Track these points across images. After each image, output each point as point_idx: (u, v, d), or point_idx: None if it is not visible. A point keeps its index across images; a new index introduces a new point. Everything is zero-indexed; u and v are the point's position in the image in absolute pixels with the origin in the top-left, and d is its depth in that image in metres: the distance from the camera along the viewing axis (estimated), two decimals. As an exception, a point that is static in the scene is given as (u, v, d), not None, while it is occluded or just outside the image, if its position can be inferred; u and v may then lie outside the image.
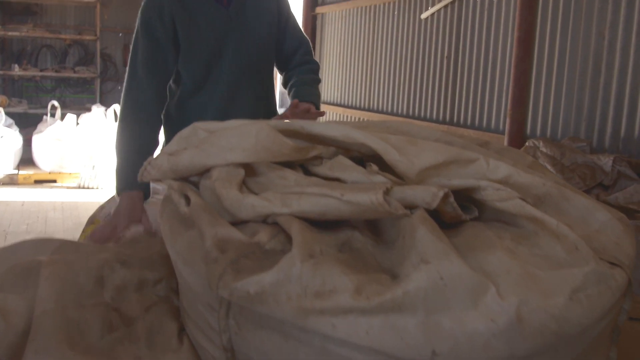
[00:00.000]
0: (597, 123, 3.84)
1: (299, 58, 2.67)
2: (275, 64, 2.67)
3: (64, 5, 12.54)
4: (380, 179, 1.42)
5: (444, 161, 1.48)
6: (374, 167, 1.44)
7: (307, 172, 1.51)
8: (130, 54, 2.39)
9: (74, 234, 6.02)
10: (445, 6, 5.16)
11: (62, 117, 8.68)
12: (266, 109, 2.53)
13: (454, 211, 1.38)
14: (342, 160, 1.47)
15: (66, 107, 10.92)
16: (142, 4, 2.42)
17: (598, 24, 3.83)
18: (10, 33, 10.91)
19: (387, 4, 6.00)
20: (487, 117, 4.72)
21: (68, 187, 8.14)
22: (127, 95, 2.35)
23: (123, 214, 2.09)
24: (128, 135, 2.28)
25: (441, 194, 1.30)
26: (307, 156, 1.47)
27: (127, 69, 2.39)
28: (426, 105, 5.46)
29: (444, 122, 5.19)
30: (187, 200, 1.43)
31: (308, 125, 1.49)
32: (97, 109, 8.73)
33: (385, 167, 1.54)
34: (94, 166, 8.09)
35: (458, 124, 5.01)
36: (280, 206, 1.29)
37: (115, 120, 8.63)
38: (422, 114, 5.50)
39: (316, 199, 1.28)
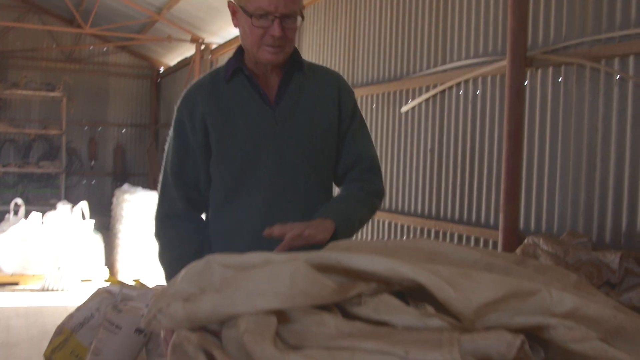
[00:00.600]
0: (596, 217, 3.72)
1: (355, 174, 2.28)
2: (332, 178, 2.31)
3: (28, 100, 12.40)
4: (437, 322, 1.22)
5: (503, 295, 1.29)
6: (430, 309, 1.24)
7: (346, 313, 1.30)
8: (164, 157, 2.24)
9: (40, 344, 5.61)
10: (427, 99, 5.11)
11: (26, 215, 8.35)
12: None
13: (525, 357, 1.19)
14: (388, 299, 1.27)
15: (29, 203, 10.61)
16: (180, 98, 2.25)
17: (590, 117, 3.77)
18: (-28, 129, 10.63)
19: (364, 97, 5.94)
20: (477, 211, 4.58)
21: (31, 290, 7.71)
22: (160, 206, 2.23)
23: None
24: (167, 244, 2.16)
25: (518, 342, 1.12)
26: (347, 296, 1.26)
27: (162, 168, 2.25)
28: (410, 199, 5.32)
29: (429, 217, 5.05)
30: (208, 357, 1.20)
31: (345, 259, 1.28)
32: (62, 207, 8.41)
33: (428, 298, 1.34)
34: (59, 267, 7.72)
35: (445, 219, 4.87)
36: (331, 367, 1.08)
37: (84, 218, 8.34)
38: (407, 209, 5.35)
39: (374, 357, 1.06)
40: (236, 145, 2.13)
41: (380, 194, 2.31)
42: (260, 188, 2.12)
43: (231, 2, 2.14)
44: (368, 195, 2.25)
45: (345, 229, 2.06)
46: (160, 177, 2.25)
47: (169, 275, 2.12)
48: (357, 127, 2.29)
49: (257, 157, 2.13)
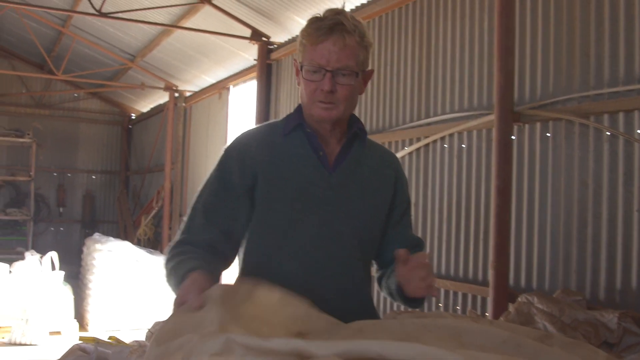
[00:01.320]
0: (589, 275, 3.69)
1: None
2: (374, 258, 2.15)
3: (-4, 145, 12.13)
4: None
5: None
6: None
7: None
8: (197, 194, 2.07)
9: (6, 404, 5.36)
10: (411, 152, 5.08)
11: (-8, 264, 8.07)
12: (357, 305, 2.00)
13: None
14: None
15: (-6, 251, 10.28)
16: (231, 142, 2.11)
17: (580, 172, 3.77)
18: (-63, 175, 10.34)
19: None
20: (464, 267, 4.53)
21: (-3, 344, 7.41)
22: (179, 239, 2.01)
23: (188, 287, 1.73)
24: (176, 257, 1.93)
25: None
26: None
27: (191, 207, 2.06)
28: (395, 252, 5.25)
29: (416, 271, 4.97)
30: None
31: (387, 350, 1.19)
32: (31, 257, 8.15)
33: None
34: (27, 320, 7.42)
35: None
36: None
37: (53, 268, 8.11)
38: (391, 262, 5.28)
39: None
40: (284, 202, 1.99)
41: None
42: (300, 253, 1.97)
43: (295, 60, 2.07)
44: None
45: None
46: (187, 216, 2.05)
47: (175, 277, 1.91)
48: (409, 218, 2.19)
49: (304, 219, 1.99)
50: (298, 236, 1.97)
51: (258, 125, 2.15)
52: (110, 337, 5.35)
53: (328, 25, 1.91)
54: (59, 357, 4.79)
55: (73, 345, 4.84)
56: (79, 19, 9.18)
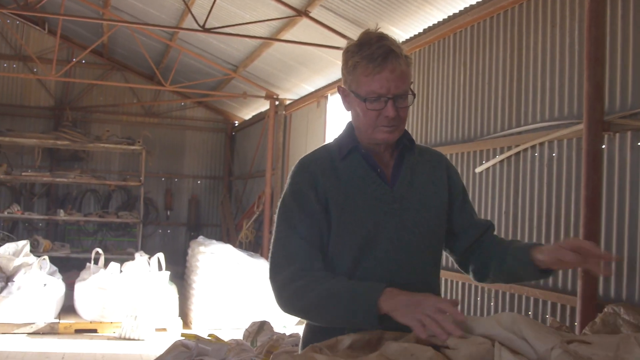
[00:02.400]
0: (680, 288, 3.63)
1: (490, 236, 2.31)
2: (450, 249, 2.34)
3: (110, 152, 12.96)
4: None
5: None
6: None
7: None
8: (278, 227, 2.14)
9: (116, 393, 5.79)
10: (502, 161, 5.12)
11: (105, 264, 8.65)
12: None
13: None
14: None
15: (107, 250, 10.98)
16: (294, 168, 2.22)
17: (671, 184, 3.71)
18: (57, 179, 11.16)
19: (438, 157, 5.99)
20: (554, 277, 4.52)
21: (109, 338, 7.95)
22: (296, 269, 2.04)
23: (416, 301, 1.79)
24: (319, 283, 1.99)
25: None
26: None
27: (277, 249, 2.12)
28: (484, 260, 5.28)
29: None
30: None
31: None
32: (140, 257, 8.68)
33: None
34: (135, 316, 7.93)
35: (523, 283, 4.81)
36: None
37: (160, 269, 8.57)
38: (480, 269, 5.31)
39: None
40: (357, 223, 2.11)
41: None
42: (377, 267, 2.11)
43: (341, 86, 2.17)
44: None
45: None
46: (281, 246, 2.11)
47: (348, 294, 1.95)
48: (471, 204, 2.36)
49: (377, 235, 2.12)
50: (373, 251, 2.12)
51: (315, 150, 2.27)
52: (209, 335, 5.68)
53: (380, 55, 2.01)
54: (163, 352, 5.15)
55: (176, 341, 5.18)
56: (184, 33, 9.68)
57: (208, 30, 7.87)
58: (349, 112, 2.19)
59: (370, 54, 2.01)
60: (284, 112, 11.24)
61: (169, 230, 14.19)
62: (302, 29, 8.09)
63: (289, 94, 10.98)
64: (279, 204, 2.20)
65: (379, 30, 2.10)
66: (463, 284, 5.55)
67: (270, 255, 2.15)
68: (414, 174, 2.21)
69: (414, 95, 2.12)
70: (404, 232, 2.14)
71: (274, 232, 2.18)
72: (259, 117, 12.54)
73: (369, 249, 2.11)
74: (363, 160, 2.17)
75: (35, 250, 10.01)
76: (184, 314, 8.96)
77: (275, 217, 2.21)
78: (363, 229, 2.11)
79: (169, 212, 14.09)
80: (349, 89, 2.11)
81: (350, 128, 2.23)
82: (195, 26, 8.00)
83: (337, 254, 2.13)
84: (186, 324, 8.74)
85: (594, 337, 1.57)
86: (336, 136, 2.28)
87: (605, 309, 3.67)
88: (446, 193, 2.26)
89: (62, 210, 11.33)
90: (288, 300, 2.04)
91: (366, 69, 2.02)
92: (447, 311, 1.71)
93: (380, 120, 2.07)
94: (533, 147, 4.81)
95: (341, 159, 2.17)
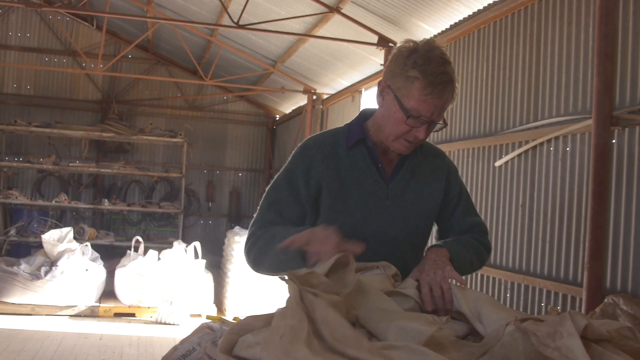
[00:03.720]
0: (681, 280, 3.69)
1: (469, 232, 2.40)
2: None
3: (153, 144, 13.34)
4: None
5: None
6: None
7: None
8: (264, 199, 2.27)
9: (147, 373, 6.09)
10: (519, 154, 5.20)
11: (145, 251, 8.99)
12: None
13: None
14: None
15: (150, 240, 11.35)
16: (298, 147, 2.31)
17: (676, 178, 3.77)
18: (103, 170, 11.57)
19: (460, 151, 6.10)
20: (565, 268, 4.60)
21: (145, 322, 8.29)
22: (255, 228, 2.22)
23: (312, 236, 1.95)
24: (266, 233, 2.15)
25: None
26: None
27: (257, 215, 2.27)
28: (502, 253, 5.39)
29: (520, 272, 5.09)
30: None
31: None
32: (178, 246, 9.00)
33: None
34: (171, 302, 8.25)
35: (535, 274, 4.90)
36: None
37: (197, 257, 8.86)
38: (498, 263, 5.42)
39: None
40: (347, 213, 2.20)
41: (489, 249, 2.42)
42: (359, 258, 2.14)
43: (383, 81, 2.18)
44: (480, 245, 2.36)
45: (459, 269, 2.14)
46: (258, 214, 2.26)
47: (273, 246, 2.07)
48: (465, 205, 2.42)
49: (364, 227, 2.21)
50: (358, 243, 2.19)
51: (324, 133, 2.36)
52: (234, 318, 5.92)
53: (442, 82, 2.04)
54: (189, 334, 5.40)
55: (202, 324, 5.43)
56: (224, 28, 9.96)
57: (242, 27, 8.11)
58: (378, 106, 2.23)
59: (434, 77, 2.03)
60: (320, 107, 11.43)
61: (210, 221, 14.54)
62: (335, 25, 8.25)
63: (326, 89, 11.16)
64: (275, 176, 2.32)
65: (443, 48, 2.13)
66: (482, 276, 5.66)
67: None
68: (414, 175, 2.28)
69: (445, 124, 2.18)
70: (391, 228, 2.24)
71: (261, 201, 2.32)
72: (298, 111, 12.75)
73: (354, 240, 2.15)
74: (367, 153, 2.24)
75: (80, 238, 10.44)
76: (219, 301, 9.25)
77: (267, 188, 2.32)
78: (351, 219, 2.21)
79: (210, 204, 14.43)
80: (393, 91, 2.12)
81: (362, 118, 2.31)
82: (231, 23, 8.25)
83: None
84: (221, 310, 9.03)
85: (547, 317, 1.71)
86: (349, 122, 2.36)
87: (606, 300, 3.76)
88: (441, 197, 2.34)
89: (106, 200, 11.75)
90: (252, 263, 2.25)
91: (424, 90, 2.04)
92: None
93: (408, 136, 2.13)
94: (549, 141, 4.89)
95: (347, 148, 2.24)
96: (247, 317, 1.83)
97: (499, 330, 1.70)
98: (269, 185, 2.33)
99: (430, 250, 2.18)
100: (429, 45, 2.09)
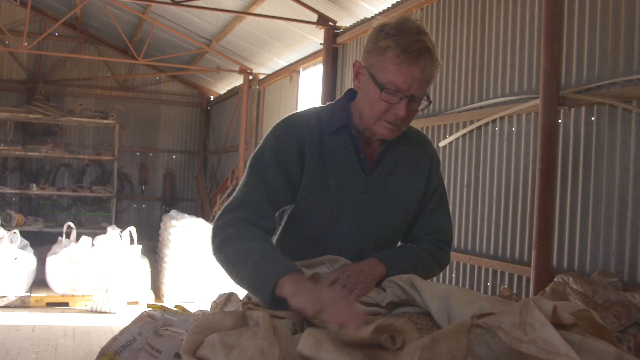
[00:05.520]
0: (628, 257, 3.74)
1: (427, 241, 2.22)
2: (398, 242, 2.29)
3: (83, 126, 12.88)
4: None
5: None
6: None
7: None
8: (248, 176, 2.05)
9: (84, 364, 5.85)
10: (464, 135, 5.20)
11: (77, 237, 8.66)
12: None
13: None
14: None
15: (81, 225, 10.98)
16: (277, 125, 2.11)
17: (622, 156, 3.81)
18: (30, 153, 11.09)
19: (404, 131, 6.06)
20: (511, 247, 4.63)
21: (80, 311, 7.99)
22: (241, 213, 1.95)
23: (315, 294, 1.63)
24: (244, 238, 1.89)
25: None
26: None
27: (236, 193, 2.04)
28: (447, 232, 5.38)
29: (466, 252, 5.10)
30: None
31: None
32: (112, 231, 8.70)
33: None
34: (107, 290, 7.97)
35: (481, 254, 4.92)
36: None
37: (132, 242, 8.59)
38: (443, 242, 5.42)
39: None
40: (323, 204, 2.07)
41: (443, 264, 2.27)
42: (330, 249, 2.09)
43: (358, 62, 2.04)
44: (431, 259, 2.20)
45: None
46: (245, 185, 2.03)
47: (259, 263, 1.82)
48: (437, 202, 2.25)
49: (338, 219, 2.09)
50: (331, 234, 2.10)
51: (307, 113, 2.15)
52: (176, 306, 5.74)
53: (417, 50, 1.88)
54: (129, 323, 5.20)
55: (142, 312, 5.24)
56: (157, 6, 9.62)
57: (178, 4, 7.85)
58: (358, 91, 2.07)
59: (407, 45, 1.88)
60: (257, 87, 11.24)
61: (143, 204, 14.19)
62: (274, 3, 8.08)
63: (263, 69, 10.98)
64: (255, 152, 2.08)
65: (419, 21, 1.96)
66: (426, 256, 5.65)
67: (230, 199, 2.06)
68: (396, 165, 2.14)
69: (429, 102, 2.02)
70: (366, 222, 2.12)
71: (243, 178, 2.08)
72: (234, 92, 12.52)
73: (328, 231, 2.10)
74: (350, 141, 2.08)
75: (7, 225, 9.99)
76: (156, 287, 9.01)
77: (248, 163, 2.09)
78: (327, 211, 2.08)
79: (143, 187, 14.08)
80: (367, 69, 1.98)
81: (346, 100, 2.14)
82: (166, -1, 7.96)
83: (296, 227, 2.12)
84: (158, 297, 8.80)
85: (500, 307, 1.63)
86: (332, 102, 2.19)
87: (556, 279, 3.77)
88: (421, 190, 2.19)
89: (34, 185, 11.28)
90: (215, 249, 1.97)
91: (397, 58, 1.89)
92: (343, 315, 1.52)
93: (387, 115, 1.97)
94: (494, 121, 4.89)
95: (329, 134, 2.08)
96: (214, 313, 1.71)
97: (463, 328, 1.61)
98: (249, 163, 2.08)
99: (371, 260, 2.04)
100: (402, 18, 1.96)
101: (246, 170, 2.08)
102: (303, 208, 2.08)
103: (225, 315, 1.64)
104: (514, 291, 4.49)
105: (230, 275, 1.94)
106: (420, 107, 2.01)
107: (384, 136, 2.04)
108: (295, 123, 2.09)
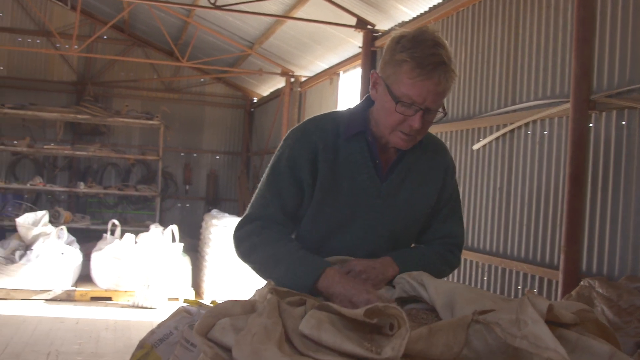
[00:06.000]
0: (656, 263, 3.73)
1: (439, 244, 2.32)
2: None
3: (129, 127, 13.18)
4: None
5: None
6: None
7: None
8: (263, 186, 2.17)
9: (125, 357, 6.03)
10: (497, 138, 5.21)
11: (122, 235, 8.92)
12: None
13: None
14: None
15: (126, 223, 11.26)
16: (293, 131, 2.19)
17: (652, 162, 3.80)
18: (78, 152, 11.43)
19: (439, 134, 6.10)
20: (542, 251, 4.63)
21: (122, 306, 8.24)
22: (263, 215, 2.12)
23: (350, 284, 1.90)
24: (269, 243, 2.06)
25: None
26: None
27: (254, 203, 2.17)
28: (479, 236, 5.41)
29: (497, 255, 5.12)
30: None
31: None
32: (155, 229, 8.93)
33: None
34: (148, 285, 8.19)
35: (512, 257, 4.93)
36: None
37: (174, 240, 8.81)
38: (476, 245, 5.44)
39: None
40: (337, 207, 2.14)
41: (453, 266, 2.35)
42: (343, 251, 2.16)
43: (375, 72, 2.09)
44: (442, 261, 2.28)
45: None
46: (260, 197, 2.16)
47: (293, 264, 2.02)
48: (451, 208, 2.32)
49: (352, 222, 2.15)
50: (344, 235, 2.18)
51: (324, 117, 2.23)
52: (212, 302, 5.89)
53: (432, 64, 1.92)
54: (166, 317, 5.36)
55: (179, 307, 5.40)
56: (201, 9, 9.83)
57: (219, 8, 8.02)
58: (375, 100, 2.12)
59: (422, 59, 1.92)
60: (298, 89, 11.36)
61: (187, 204, 14.46)
62: (314, 7, 8.18)
63: (304, 71, 11.10)
64: (272, 161, 2.18)
65: (436, 33, 2.01)
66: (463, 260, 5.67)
67: (248, 208, 2.18)
68: (410, 172, 2.19)
69: (445, 113, 2.06)
70: (379, 225, 2.18)
71: (258, 186, 2.19)
72: (276, 94, 12.67)
73: (340, 233, 2.17)
74: (366, 147, 2.14)
75: (56, 221, 10.32)
76: (197, 284, 9.21)
77: (266, 171, 2.20)
78: (340, 214, 2.15)
79: (187, 187, 14.35)
80: (384, 80, 2.03)
81: (365, 106, 2.19)
82: (208, 3, 8.14)
83: (309, 229, 2.20)
84: (198, 294, 9.00)
85: (502, 305, 1.70)
86: (352, 107, 2.24)
87: (582, 283, 3.78)
88: (435, 196, 2.25)
89: (82, 183, 11.62)
90: (241, 255, 2.14)
91: (412, 72, 1.93)
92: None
93: (403, 127, 2.02)
94: (526, 125, 4.90)
95: (345, 139, 2.14)
96: (227, 301, 1.82)
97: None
98: (267, 170, 2.20)
99: (385, 259, 2.15)
100: (420, 30, 2.00)
101: (264, 179, 2.18)
102: (317, 211, 2.16)
103: (235, 303, 1.76)
104: (544, 295, 4.49)
105: (264, 277, 2.11)
106: (436, 118, 2.06)
107: (399, 146, 2.10)
108: (309, 130, 2.16)
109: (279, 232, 2.12)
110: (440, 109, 2.04)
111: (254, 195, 2.20)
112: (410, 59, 1.93)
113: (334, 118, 2.21)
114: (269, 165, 2.21)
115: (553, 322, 1.66)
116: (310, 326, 1.52)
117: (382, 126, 2.08)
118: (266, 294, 1.83)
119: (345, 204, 2.15)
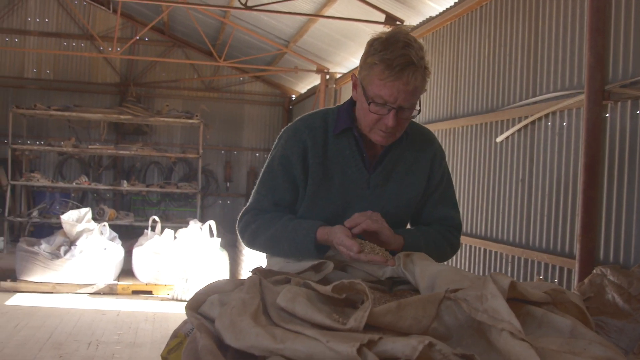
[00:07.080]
0: (670, 251, 3.75)
1: (438, 225, 2.44)
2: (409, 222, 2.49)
3: (170, 126, 13.51)
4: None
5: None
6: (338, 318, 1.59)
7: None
8: (259, 185, 2.34)
9: (161, 346, 6.27)
10: (519, 130, 5.26)
11: (162, 230, 9.19)
12: None
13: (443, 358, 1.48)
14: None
15: (168, 220, 11.56)
16: (285, 131, 2.34)
17: (665, 151, 3.82)
18: (121, 152, 11.78)
19: (464, 127, 6.16)
20: (561, 241, 4.67)
21: (162, 299, 8.51)
22: (255, 207, 2.32)
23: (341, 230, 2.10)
24: (267, 226, 2.25)
25: (420, 347, 1.41)
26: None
27: (250, 199, 2.36)
28: (502, 228, 5.46)
29: (519, 246, 5.17)
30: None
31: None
32: (193, 224, 9.19)
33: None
34: (187, 279, 8.44)
35: (533, 248, 4.98)
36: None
37: (212, 235, 9.04)
38: (499, 237, 5.50)
39: (308, 340, 1.43)
40: (329, 200, 2.27)
41: (454, 247, 2.45)
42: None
43: (355, 75, 2.21)
44: (443, 240, 2.39)
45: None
46: (254, 198, 2.35)
47: (291, 233, 2.20)
48: (441, 193, 2.43)
49: (344, 213, 2.24)
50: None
51: (314, 115, 2.37)
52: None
53: (399, 65, 2.01)
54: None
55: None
56: (235, 10, 10.05)
57: (250, 8, 8.21)
58: (356, 101, 2.25)
59: (390, 61, 2.01)
60: (334, 86, 11.50)
61: (228, 200, 14.75)
62: (344, 4, 8.30)
63: (339, 68, 11.23)
64: (268, 159, 2.35)
65: (409, 34, 2.10)
66: (484, 250, 5.74)
67: (247, 204, 2.39)
68: (397, 163, 2.32)
69: (419, 111, 2.15)
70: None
71: (258, 182, 2.37)
72: (313, 91, 12.83)
73: (335, 223, 2.25)
74: (354, 142, 2.28)
75: (101, 219, 10.69)
76: (234, 278, 9.42)
77: (262, 170, 2.37)
78: (333, 206, 2.30)
79: (228, 184, 14.63)
80: (360, 82, 2.15)
81: (352, 104, 2.31)
82: (240, 4, 8.34)
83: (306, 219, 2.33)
84: (236, 288, 9.21)
85: (477, 283, 1.81)
86: (341, 104, 2.38)
87: (594, 270, 3.82)
88: (423, 186, 2.37)
89: (125, 181, 11.98)
90: (247, 243, 2.35)
91: (382, 74, 2.03)
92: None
93: (379, 125, 2.14)
94: (546, 116, 4.94)
95: (334, 135, 2.28)
96: (220, 280, 1.99)
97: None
98: (263, 169, 2.37)
99: (396, 235, 2.27)
100: (393, 32, 2.11)
101: (260, 178, 2.37)
102: (311, 204, 2.31)
103: (228, 281, 1.92)
104: (564, 285, 4.54)
105: (273, 254, 2.32)
106: (411, 115, 2.17)
107: (379, 142, 2.23)
108: (299, 129, 2.31)
109: (271, 213, 2.32)
110: (417, 107, 2.15)
111: (252, 195, 2.40)
112: (380, 61, 2.03)
113: (323, 114, 2.36)
114: (265, 164, 2.38)
115: (522, 300, 1.77)
116: (286, 299, 1.66)
117: (362, 124, 2.22)
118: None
119: (337, 196, 2.29)
